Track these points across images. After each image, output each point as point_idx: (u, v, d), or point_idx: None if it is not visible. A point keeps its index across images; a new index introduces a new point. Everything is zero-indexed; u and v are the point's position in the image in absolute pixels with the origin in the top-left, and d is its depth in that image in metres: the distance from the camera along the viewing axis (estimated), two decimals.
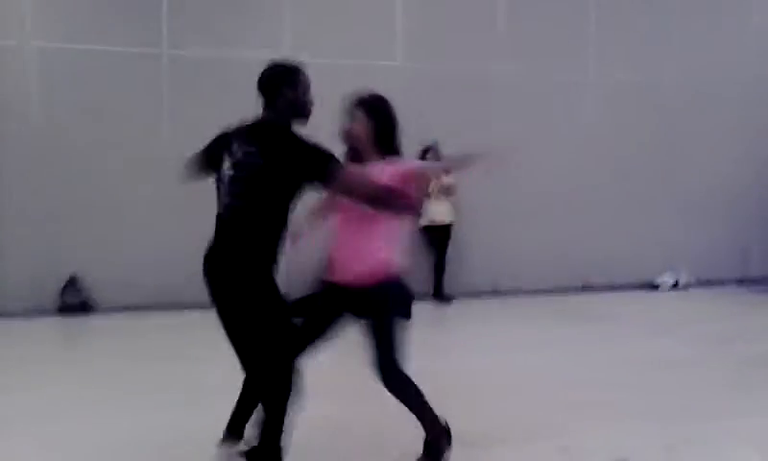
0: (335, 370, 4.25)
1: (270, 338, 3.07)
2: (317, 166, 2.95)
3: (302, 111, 3.17)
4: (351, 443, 3.85)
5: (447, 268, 8.39)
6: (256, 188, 2.99)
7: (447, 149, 8.31)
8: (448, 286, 8.35)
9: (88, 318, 7.24)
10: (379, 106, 3.38)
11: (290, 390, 3.17)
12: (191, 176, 3.33)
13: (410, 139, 8.01)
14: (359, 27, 8.28)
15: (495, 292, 8.72)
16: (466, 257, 8.61)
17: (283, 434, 3.11)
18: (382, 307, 3.29)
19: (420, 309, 7.28)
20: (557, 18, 9.00)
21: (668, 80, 9.42)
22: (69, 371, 5.29)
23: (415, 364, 5.47)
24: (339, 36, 8.14)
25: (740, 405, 4.55)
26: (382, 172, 3.18)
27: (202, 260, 3.04)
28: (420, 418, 3.46)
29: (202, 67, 7.63)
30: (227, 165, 3.04)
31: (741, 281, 9.64)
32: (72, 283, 7.35)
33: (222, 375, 3.52)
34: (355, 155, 3.34)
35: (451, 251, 8.41)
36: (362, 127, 3.29)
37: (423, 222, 8.28)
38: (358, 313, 3.31)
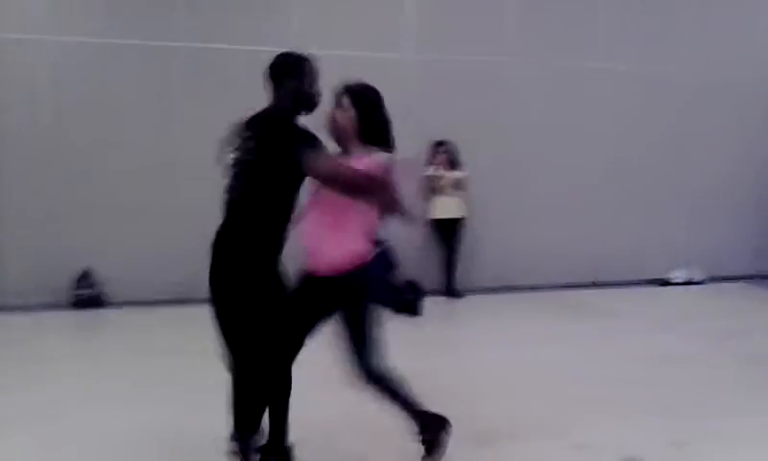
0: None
1: (258, 338, 3.04)
2: (296, 152, 2.92)
3: (307, 102, 3.15)
4: (353, 441, 3.84)
5: (458, 263, 8.39)
6: (249, 181, 2.99)
7: (459, 143, 8.33)
8: (459, 281, 8.35)
9: (100, 312, 7.28)
10: (366, 95, 3.27)
11: (286, 387, 3.18)
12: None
13: (419, 133, 8.16)
14: (368, 19, 8.26)
15: (506, 288, 8.71)
16: (477, 253, 8.60)
17: (288, 431, 3.11)
18: (353, 296, 3.22)
19: (431, 304, 7.41)
20: (567, 11, 8.95)
21: (679, 75, 9.35)
22: (79, 365, 5.34)
23: (426, 360, 5.52)
24: (348, 29, 8.14)
25: (750, 402, 4.54)
26: (361, 163, 3.11)
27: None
28: (405, 410, 3.40)
29: (210, 61, 7.66)
30: (230, 157, 3.05)
31: (752, 278, 9.57)
32: (85, 278, 7.39)
33: None
34: (339, 144, 3.28)
35: (462, 246, 8.39)
36: (346, 115, 3.20)
37: (434, 216, 8.30)
38: (331, 304, 3.23)
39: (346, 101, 3.20)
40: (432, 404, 4.33)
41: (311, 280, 3.22)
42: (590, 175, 9.06)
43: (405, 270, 8.05)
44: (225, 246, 3.01)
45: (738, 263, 9.68)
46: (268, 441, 3.21)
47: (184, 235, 6.97)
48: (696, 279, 9.33)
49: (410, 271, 8.03)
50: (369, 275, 3.21)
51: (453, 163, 8.29)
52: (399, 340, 6.20)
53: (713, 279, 9.37)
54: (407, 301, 7.28)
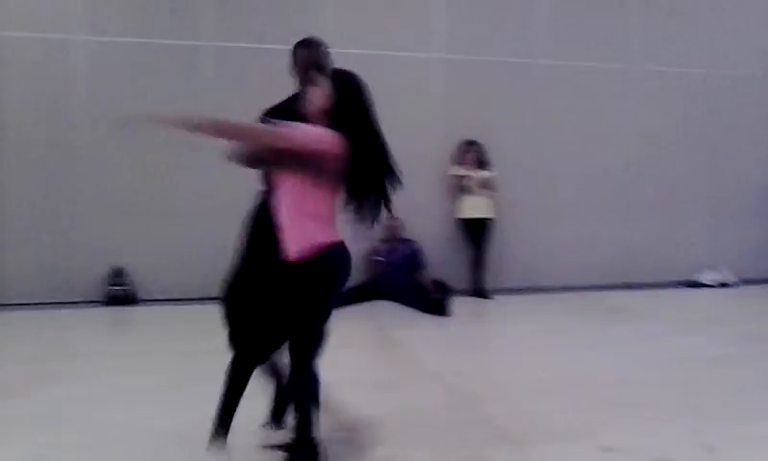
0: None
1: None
2: None
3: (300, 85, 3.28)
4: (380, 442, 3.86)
5: (486, 264, 8.38)
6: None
7: (488, 143, 8.33)
8: (487, 282, 8.34)
9: (133, 309, 7.39)
10: (346, 80, 3.14)
11: (312, 383, 3.18)
12: None
13: (449, 131, 8.18)
14: (399, 19, 8.29)
15: (534, 289, 8.69)
16: (505, 253, 8.59)
17: (315, 426, 3.11)
18: (310, 283, 3.07)
19: (459, 305, 7.42)
20: (596, 13, 8.90)
21: (705, 75, 9.27)
22: (111, 362, 5.39)
23: (453, 360, 5.53)
24: (378, 29, 8.18)
25: None
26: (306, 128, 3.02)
27: None
28: (303, 420, 3.14)
29: (241, 59, 7.73)
30: None
31: None
32: (118, 275, 7.50)
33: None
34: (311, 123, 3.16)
35: (490, 246, 8.39)
36: (321, 95, 3.11)
37: (462, 216, 8.30)
38: (294, 290, 3.10)
39: (326, 83, 3.14)
40: (458, 405, 4.37)
41: (281, 266, 3.20)
42: (619, 175, 9.01)
43: (433, 270, 8.08)
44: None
45: None
46: (296, 435, 3.22)
47: (216, 233, 7.05)
48: (726, 280, 9.23)
49: (438, 271, 8.06)
50: (333, 262, 3.13)
51: (482, 163, 8.29)
52: (427, 340, 6.27)
53: (744, 282, 9.27)
54: (435, 300, 7.30)
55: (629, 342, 6.26)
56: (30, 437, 3.72)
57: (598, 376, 5.08)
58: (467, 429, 3.91)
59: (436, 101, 8.29)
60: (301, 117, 3.09)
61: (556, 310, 7.71)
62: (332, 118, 3.04)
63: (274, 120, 3.00)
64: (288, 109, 3.18)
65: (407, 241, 8.15)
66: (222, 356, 3.23)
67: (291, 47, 3.45)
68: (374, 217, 3.19)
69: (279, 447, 3.28)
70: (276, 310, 3.16)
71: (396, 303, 7.67)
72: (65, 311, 7.21)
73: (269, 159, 3.07)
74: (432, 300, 7.33)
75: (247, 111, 3.30)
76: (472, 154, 8.27)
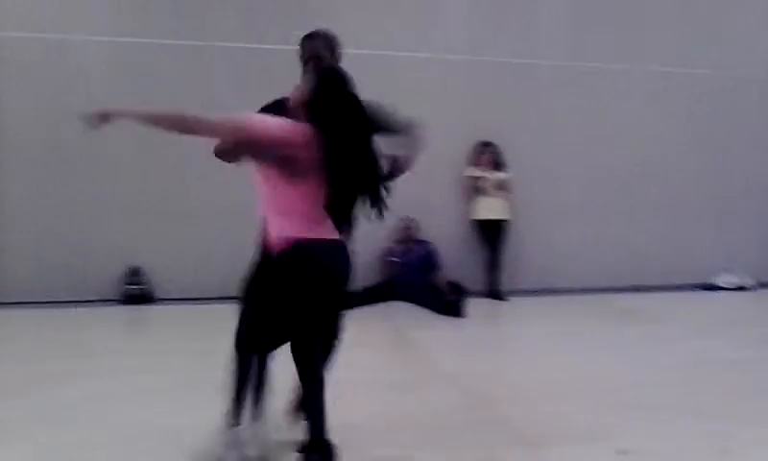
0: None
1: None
2: None
3: None
4: (395, 444, 3.87)
5: (502, 265, 8.37)
6: None
7: (503, 145, 8.32)
8: (502, 283, 8.33)
9: (150, 308, 7.44)
10: (328, 74, 3.09)
11: (317, 384, 3.16)
12: None
13: (464, 132, 8.18)
14: (416, 20, 8.30)
15: (550, 290, 8.68)
16: (520, 255, 8.58)
17: (326, 427, 3.11)
18: (284, 275, 3.04)
19: (474, 306, 7.42)
20: (616, 16, 8.87)
21: (726, 73, 9.22)
22: (127, 360, 5.42)
23: (468, 362, 5.53)
24: (396, 30, 8.19)
25: None
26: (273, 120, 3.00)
27: None
28: (311, 417, 3.16)
29: (260, 61, 7.74)
30: None
31: None
32: (134, 274, 7.56)
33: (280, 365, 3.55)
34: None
35: (506, 248, 8.38)
36: (302, 87, 3.08)
37: (478, 217, 8.30)
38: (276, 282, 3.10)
39: (312, 77, 3.10)
40: (473, 406, 4.37)
41: (267, 260, 3.22)
42: (635, 177, 8.98)
43: (448, 271, 8.09)
44: None
45: None
46: (309, 437, 3.23)
47: (232, 233, 7.08)
48: (743, 283, 9.17)
49: (453, 272, 8.06)
50: (301, 259, 2.99)
51: (497, 164, 8.29)
52: (442, 341, 6.28)
53: (761, 285, 9.21)
54: (450, 302, 7.30)
55: (644, 345, 6.24)
56: (45, 434, 3.76)
57: (613, 378, 5.07)
58: (481, 431, 3.92)
59: (452, 102, 8.28)
60: (287, 111, 3.05)
61: (571, 312, 7.69)
62: (308, 111, 2.98)
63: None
64: (279, 104, 3.19)
65: (422, 242, 8.16)
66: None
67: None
68: (353, 216, 3.20)
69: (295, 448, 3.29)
70: (270, 306, 3.16)
71: (411, 304, 7.68)
72: (82, 310, 7.26)
73: (237, 152, 3.05)
74: (447, 301, 7.33)
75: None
76: (488, 155, 8.27)
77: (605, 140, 8.88)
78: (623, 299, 8.42)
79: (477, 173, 8.24)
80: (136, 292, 7.51)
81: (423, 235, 8.21)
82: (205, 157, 3.30)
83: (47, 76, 7.46)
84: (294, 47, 3.51)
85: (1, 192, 7.41)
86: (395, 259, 8.01)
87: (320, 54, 3.32)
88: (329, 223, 3.07)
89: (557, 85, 8.68)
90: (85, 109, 2.77)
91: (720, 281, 9.16)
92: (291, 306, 3.01)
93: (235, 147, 3.03)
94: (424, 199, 8.18)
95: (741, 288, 9.12)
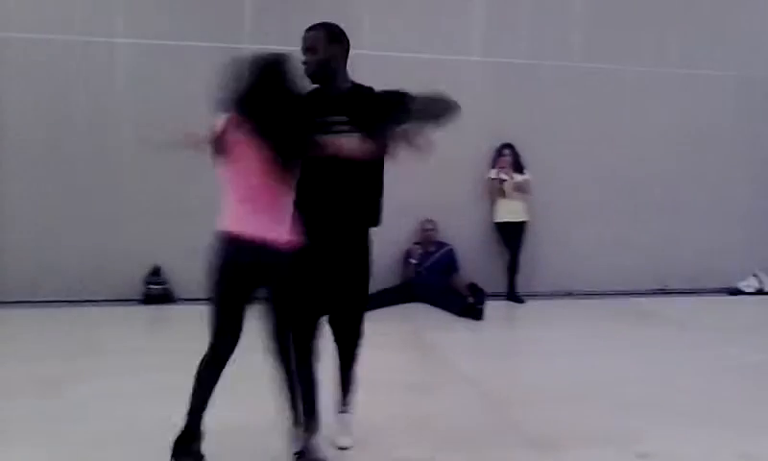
0: None
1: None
2: None
3: None
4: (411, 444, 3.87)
5: (521, 268, 8.34)
6: None
7: (524, 147, 8.30)
8: (521, 286, 8.30)
9: (170, 307, 7.48)
10: (257, 65, 3.08)
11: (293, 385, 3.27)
12: None
13: (484, 134, 8.17)
14: (436, 22, 8.28)
15: (569, 293, 8.63)
16: (539, 257, 8.54)
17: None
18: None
19: (492, 309, 7.41)
20: (635, 17, 8.81)
21: (758, 76, 9.13)
22: (146, 359, 5.43)
23: (485, 364, 5.53)
24: (416, 31, 8.17)
25: None
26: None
27: None
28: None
29: None
30: None
31: None
32: (155, 274, 7.61)
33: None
34: None
35: (525, 250, 8.35)
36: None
37: (498, 220, 8.28)
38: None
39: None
40: (491, 409, 4.37)
41: None
42: (656, 179, 8.90)
43: (467, 273, 8.07)
44: None
45: None
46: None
47: None
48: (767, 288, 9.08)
49: (472, 274, 8.05)
50: (213, 253, 3.14)
51: (517, 166, 8.26)
52: (460, 343, 6.28)
53: None
54: (469, 304, 7.29)
55: (664, 348, 6.20)
56: (63, 432, 3.81)
57: (632, 382, 5.04)
58: (499, 433, 3.92)
59: (471, 105, 8.16)
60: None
61: (590, 316, 7.65)
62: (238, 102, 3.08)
63: None
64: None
65: (442, 244, 8.15)
66: (257, 355, 3.28)
67: None
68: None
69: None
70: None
71: (430, 306, 7.67)
72: (102, 309, 7.30)
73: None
74: (466, 303, 7.32)
75: None
76: (508, 157, 8.24)
77: (627, 142, 8.80)
78: (643, 302, 8.35)
79: (497, 175, 8.22)
80: (157, 291, 7.55)
81: (443, 237, 8.20)
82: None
83: (48, 76, 7.46)
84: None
85: (1, 192, 7.47)
86: (414, 261, 8.01)
87: (315, 46, 3.33)
88: (254, 218, 3.10)
89: (576, 87, 8.62)
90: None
91: (744, 286, 9.06)
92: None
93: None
94: (444, 201, 8.18)
95: (765, 293, 9.01)
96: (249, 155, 3.06)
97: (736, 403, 4.59)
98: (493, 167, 8.28)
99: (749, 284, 9.05)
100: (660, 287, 8.89)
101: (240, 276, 3.12)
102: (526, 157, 8.28)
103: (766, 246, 9.24)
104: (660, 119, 8.87)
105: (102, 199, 7.57)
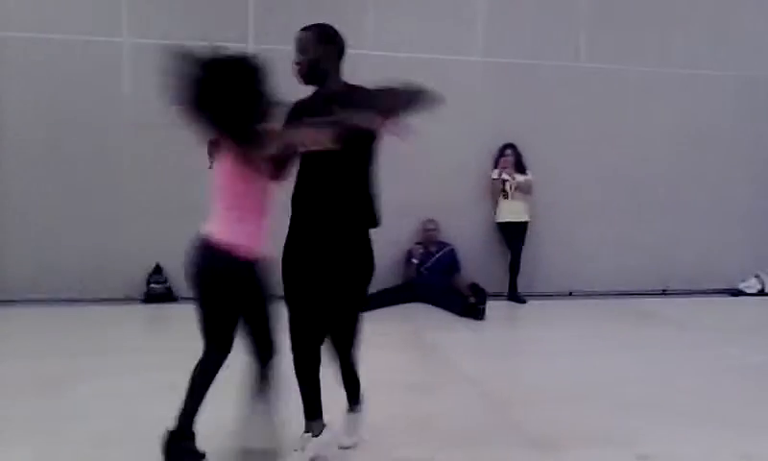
0: None
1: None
2: None
3: None
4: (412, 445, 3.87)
5: (522, 268, 8.34)
6: None
7: (525, 147, 8.30)
8: (522, 286, 8.30)
9: (172, 306, 7.48)
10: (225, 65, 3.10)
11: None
12: None
13: (486, 135, 8.17)
14: (439, 22, 8.29)
15: (570, 294, 8.64)
16: (541, 258, 8.55)
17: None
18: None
19: (494, 309, 7.41)
20: (639, 18, 8.80)
21: (761, 76, 9.12)
22: (148, 358, 5.44)
23: (486, 364, 5.53)
24: (419, 31, 8.18)
25: None
26: None
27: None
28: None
29: (283, 63, 7.73)
30: None
31: None
32: (157, 272, 7.62)
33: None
34: None
35: (527, 250, 8.35)
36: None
37: (500, 220, 8.28)
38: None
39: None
40: (492, 409, 4.37)
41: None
42: (658, 180, 8.90)
43: (469, 273, 8.08)
44: None
45: None
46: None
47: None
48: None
49: (473, 274, 8.05)
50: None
51: (519, 166, 8.26)
52: (461, 343, 6.28)
53: None
54: (470, 304, 7.29)
55: (666, 349, 6.20)
56: (63, 431, 3.82)
57: (633, 382, 5.04)
58: (500, 433, 3.92)
59: (473, 105, 8.27)
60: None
61: (592, 316, 7.66)
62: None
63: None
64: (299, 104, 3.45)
65: (443, 244, 8.15)
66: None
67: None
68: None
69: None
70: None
71: (431, 306, 7.68)
72: (104, 308, 7.33)
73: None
74: (467, 303, 7.32)
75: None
76: (510, 157, 8.24)
77: (629, 142, 8.81)
78: (644, 303, 8.35)
79: (499, 175, 8.22)
80: (159, 291, 7.57)
81: (445, 237, 8.21)
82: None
83: (48, 76, 7.48)
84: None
85: (2, 191, 7.48)
86: (416, 261, 8.01)
87: (306, 47, 3.32)
88: (214, 220, 3.20)
89: (579, 87, 8.63)
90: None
91: (745, 287, 9.06)
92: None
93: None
94: (446, 201, 8.19)
95: (766, 294, 9.00)
96: (225, 157, 3.11)
97: (737, 404, 4.58)
98: (496, 167, 8.29)
99: (750, 285, 9.05)
100: (662, 288, 8.90)
101: (234, 284, 3.15)
102: (528, 158, 8.29)
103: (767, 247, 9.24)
104: (663, 119, 8.88)
105: (103, 198, 7.60)
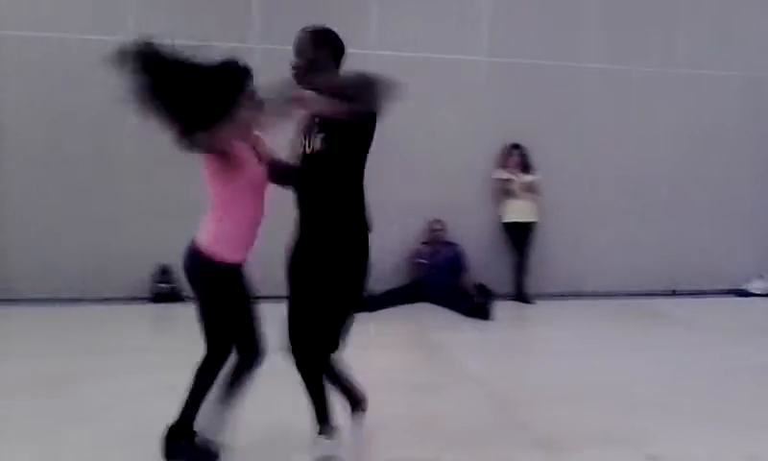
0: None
1: None
2: None
3: None
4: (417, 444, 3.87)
5: (529, 268, 8.33)
6: None
7: (531, 147, 8.29)
8: (529, 286, 8.29)
9: (178, 306, 7.48)
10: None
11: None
12: None
13: (493, 134, 8.16)
14: (445, 22, 8.28)
15: (578, 294, 8.62)
16: (548, 258, 8.53)
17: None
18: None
19: (501, 309, 7.41)
20: (643, 18, 8.77)
21: (765, 77, 9.08)
22: (155, 357, 5.45)
23: (494, 364, 5.52)
24: (424, 31, 8.17)
25: None
26: None
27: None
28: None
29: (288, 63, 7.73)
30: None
31: None
32: (164, 272, 7.63)
33: None
34: None
35: (534, 251, 8.34)
36: None
37: (506, 220, 8.27)
38: None
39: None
40: (498, 409, 4.36)
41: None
42: (665, 180, 8.87)
43: (475, 273, 8.07)
44: None
45: None
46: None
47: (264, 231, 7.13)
48: None
49: (480, 274, 8.04)
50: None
51: (526, 167, 8.25)
52: (468, 343, 6.28)
53: None
54: (477, 304, 7.28)
55: (673, 349, 6.18)
56: (68, 431, 3.83)
57: (640, 382, 5.03)
58: (506, 433, 3.92)
59: (480, 104, 8.27)
60: None
61: (599, 316, 7.64)
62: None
63: None
64: None
65: (450, 244, 8.14)
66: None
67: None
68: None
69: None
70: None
71: (437, 306, 7.67)
72: (110, 307, 7.34)
73: None
74: (474, 303, 7.32)
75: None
76: (516, 157, 8.23)
77: (635, 142, 8.78)
78: (652, 303, 8.33)
79: (505, 175, 8.21)
80: (166, 290, 7.58)
81: (451, 237, 8.20)
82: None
83: (46, 75, 7.48)
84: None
85: (3, 191, 7.50)
86: (422, 261, 8.01)
87: (302, 49, 3.33)
88: (202, 222, 3.26)
89: (586, 87, 8.61)
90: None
91: (753, 288, 9.02)
92: None
93: None
94: (452, 201, 8.18)
95: None
96: (202, 156, 3.12)
97: (745, 405, 4.57)
98: (502, 167, 8.28)
99: (756, 286, 9.01)
100: (668, 289, 8.87)
101: (214, 287, 3.23)
102: (535, 158, 8.27)
103: None
104: (669, 119, 8.85)
105: (103, 198, 7.60)
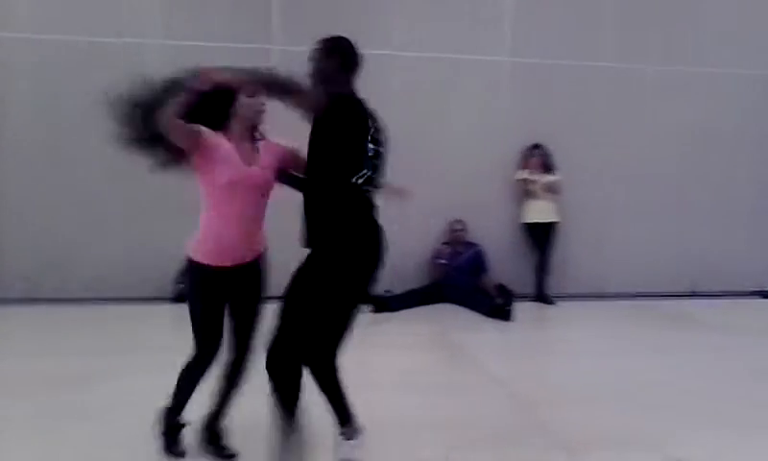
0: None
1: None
2: None
3: None
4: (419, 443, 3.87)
5: (551, 269, 8.30)
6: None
7: (553, 147, 8.26)
8: (551, 287, 8.26)
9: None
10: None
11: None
12: None
13: (514, 134, 8.13)
14: (466, 23, 8.27)
15: (599, 295, 8.57)
16: (569, 258, 8.49)
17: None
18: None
19: (522, 310, 7.38)
20: (663, 18, 8.71)
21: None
22: (176, 357, 5.47)
23: (514, 365, 5.51)
24: (445, 32, 8.17)
25: None
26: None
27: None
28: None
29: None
30: (371, 145, 3.22)
31: None
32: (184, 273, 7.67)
33: None
34: None
35: (555, 251, 8.31)
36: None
37: (527, 220, 8.25)
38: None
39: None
40: (519, 410, 4.35)
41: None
42: (687, 180, 8.81)
43: (496, 274, 8.06)
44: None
45: None
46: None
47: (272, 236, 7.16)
48: None
49: (501, 275, 8.03)
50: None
51: (547, 167, 8.22)
52: (488, 344, 6.27)
53: None
54: (498, 305, 7.28)
55: (695, 351, 6.13)
56: (64, 432, 3.87)
57: (661, 384, 5.00)
58: (526, 434, 3.91)
59: (501, 105, 8.26)
60: None
61: (620, 317, 7.60)
62: None
63: None
64: None
65: (471, 245, 8.14)
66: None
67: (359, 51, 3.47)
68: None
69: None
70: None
71: (458, 307, 7.67)
72: (132, 307, 7.40)
73: None
74: (495, 304, 7.31)
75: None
76: (537, 157, 8.21)
77: (656, 142, 8.72)
78: (674, 304, 8.27)
79: (526, 175, 8.19)
80: (185, 290, 7.60)
81: (472, 238, 8.19)
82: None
83: (47, 77, 7.55)
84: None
85: (2, 192, 7.58)
86: (443, 261, 8.01)
87: (314, 58, 3.42)
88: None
89: (606, 87, 8.57)
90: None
91: None
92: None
93: None
94: (473, 201, 8.17)
95: None
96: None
97: (765, 408, 4.53)
98: (523, 168, 8.26)
99: None
100: (690, 290, 8.80)
101: (196, 288, 3.40)
102: (556, 158, 8.24)
103: None
104: (693, 117, 8.77)
105: (103, 198, 7.68)
